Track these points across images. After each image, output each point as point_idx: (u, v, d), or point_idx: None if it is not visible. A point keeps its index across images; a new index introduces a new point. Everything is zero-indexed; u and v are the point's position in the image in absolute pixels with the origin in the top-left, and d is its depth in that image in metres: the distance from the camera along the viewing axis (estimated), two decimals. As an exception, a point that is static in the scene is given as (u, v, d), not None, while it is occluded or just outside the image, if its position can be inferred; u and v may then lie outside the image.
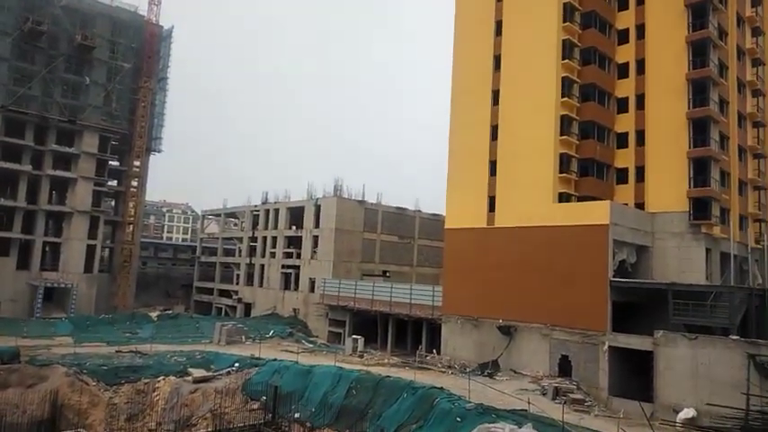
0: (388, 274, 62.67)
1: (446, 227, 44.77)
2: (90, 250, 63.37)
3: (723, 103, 40.55)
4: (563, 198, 38.52)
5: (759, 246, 45.63)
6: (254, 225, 71.56)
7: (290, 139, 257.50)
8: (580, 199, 39.03)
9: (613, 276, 34.17)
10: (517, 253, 38.00)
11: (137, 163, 68.93)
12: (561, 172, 38.49)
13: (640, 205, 39.15)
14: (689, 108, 37.54)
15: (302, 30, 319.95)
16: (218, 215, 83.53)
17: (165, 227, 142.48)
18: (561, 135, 38.70)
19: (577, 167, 39.84)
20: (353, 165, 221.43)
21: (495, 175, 41.66)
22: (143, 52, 68.46)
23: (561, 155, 38.67)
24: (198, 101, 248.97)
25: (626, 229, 35.79)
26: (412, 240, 67.54)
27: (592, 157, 39.56)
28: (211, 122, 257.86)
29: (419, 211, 68.99)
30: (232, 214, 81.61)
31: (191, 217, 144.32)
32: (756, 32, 46.81)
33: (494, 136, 42.25)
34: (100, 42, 63.90)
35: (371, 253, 63.08)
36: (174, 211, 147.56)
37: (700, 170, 37.40)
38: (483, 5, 44.27)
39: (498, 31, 43.09)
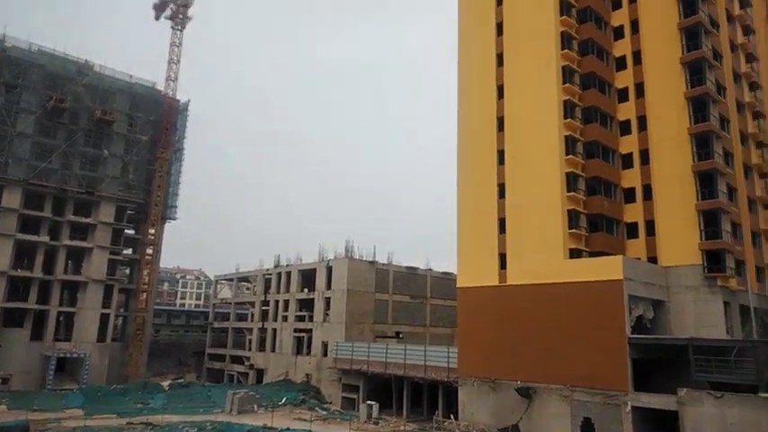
0: (401, 336, 61.76)
1: (458, 286, 44.49)
2: (103, 319, 63.46)
3: (728, 155, 40.95)
4: (574, 254, 38.37)
5: (779, 297, 44.56)
6: (267, 289, 71.62)
7: (302, 201, 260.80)
8: (592, 254, 38.85)
9: (631, 333, 33.47)
10: (531, 311, 37.50)
11: (152, 231, 70.12)
12: (571, 228, 38.55)
13: (653, 259, 38.85)
14: (694, 161, 37.94)
15: (310, 89, 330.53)
16: (231, 280, 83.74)
17: (179, 293, 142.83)
18: (568, 191, 39.04)
19: (587, 223, 39.91)
20: (364, 225, 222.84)
21: (504, 232, 41.79)
22: (160, 125, 71.19)
23: (569, 211, 38.86)
24: (210, 166, 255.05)
25: (640, 283, 35.35)
26: (424, 300, 66.96)
27: (600, 212, 39.68)
28: (224, 187, 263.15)
29: (430, 269, 68.76)
30: (244, 278, 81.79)
31: (204, 282, 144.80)
32: (754, 87, 47.93)
33: (501, 194, 42.68)
34: (119, 117, 66.75)
35: (384, 314, 62.48)
36: (188, 277, 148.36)
37: (710, 222, 37.29)
38: (484, 70, 45.87)
39: (500, 95, 44.43)
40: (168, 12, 73.52)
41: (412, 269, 66.84)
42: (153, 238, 70.34)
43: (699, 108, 38.69)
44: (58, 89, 62.27)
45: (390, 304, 63.32)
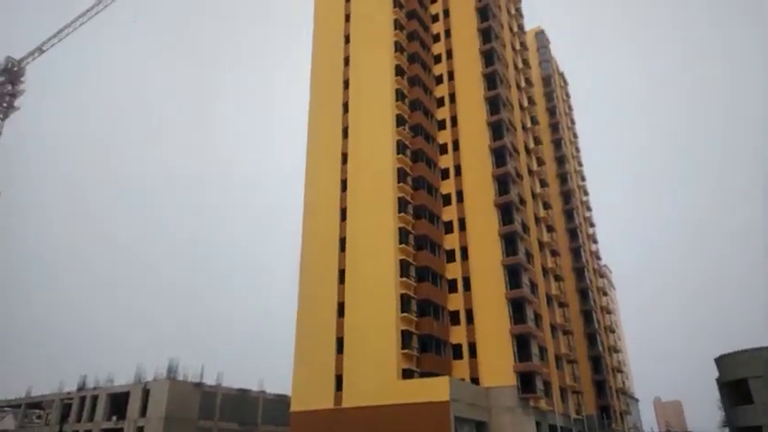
0: (225, 471, 55.52)
1: (292, 410, 42.52)
2: None
3: (533, 286, 47.09)
4: (407, 374, 39.47)
5: (579, 416, 49.85)
6: (64, 417, 60.55)
7: (124, 316, 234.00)
8: (422, 375, 40.26)
9: (457, 455, 34.35)
10: (365, 435, 36.87)
11: None
12: (404, 348, 40.00)
13: (475, 380, 41.46)
14: (507, 289, 42.86)
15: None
16: (18, 406, 69.49)
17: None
18: (402, 312, 41.08)
19: (418, 343, 41.81)
20: (194, 343, 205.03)
21: (342, 352, 41.85)
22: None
23: (403, 331, 40.57)
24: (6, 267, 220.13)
25: (465, 405, 37.16)
26: (255, 428, 61.92)
27: (430, 333, 41.99)
28: (28, 292, 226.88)
29: (263, 391, 64.58)
30: (36, 404, 68.51)
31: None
32: (550, 229, 57.12)
33: (340, 312, 43.39)
34: None
35: (207, 445, 56.10)
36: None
37: (522, 346, 41.52)
38: (328, 193, 48.59)
39: (343, 217, 47.03)
40: (-10, 98, 67.01)
41: (243, 391, 62.19)
42: None
43: (510, 243, 44.67)
44: None
45: (215, 433, 57.31)
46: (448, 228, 48.06)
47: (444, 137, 51.63)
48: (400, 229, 44.23)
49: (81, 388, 61.07)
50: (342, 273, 44.94)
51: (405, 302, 41.88)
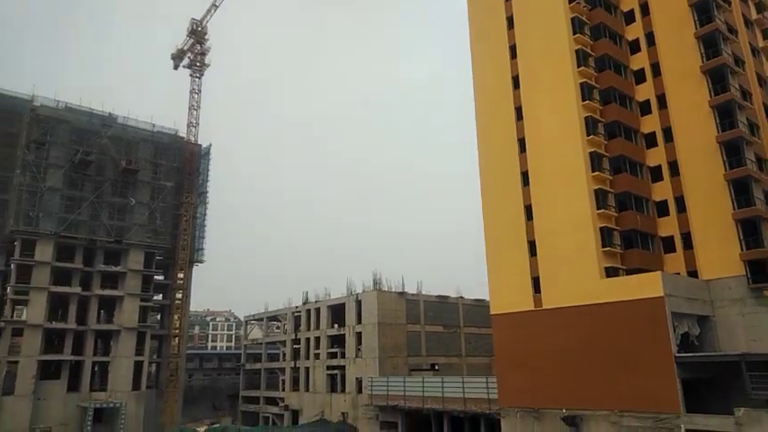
0: (437, 368, 60.44)
1: (492, 313, 43.47)
2: (137, 367, 63.60)
3: (760, 161, 39.70)
4: (610, 272, 37.21)
5: (831, 304, 42.43)
6: (297, 327, 71.21)
7: (328, 236, 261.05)
8: (628, 272, 37.59)
9: (678, 351, 32.04)
10: (571, 334, 36.28)
11: (180, 275, 70.75)
12: (604, 246, 37.50)
13: (693, 273, 37.43)
14: (725, 170, 36.82)
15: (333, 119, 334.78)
16: (261, 320, 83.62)
17: (210, 336, 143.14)
18: (598, 209, 38.17)
19: (621, 240, 38.82)
20: (391, 254, 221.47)
21: (535, 255, 40.93)
22: (184, 170, 72.55)
23: (601, 228, 37.89)
24: (235, 204, 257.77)
25: (682, 299, 34.00)
26: (458, 329, 65.68)
27: (633, 228, 38.58)
28: (250, 226, 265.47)
29: (461, 297, 67.61)
30: (274, 317, 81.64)
31: (233, 324, 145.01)
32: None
33: (528, 215, 42.00)
34: (143, 165, 68.24)
35: (417, 346, 61.36)
36: (218, 319, 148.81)
37: (749, 231, 35.86)
38: (501, 93, 45.83)
39: (519, 116, 44.26)
40: (186, 61, 75.92)
41: (443, 298, 65.83)
42: (182, 282, 70.89)
43: (725, 114, 37.77)
44: (83, 143, 64.11)
45: (423, 336, 62.22)
46: (644, 108, 42.33)
47: (629, 2, 44.36)
48: (586, 118, 40.15)
49: (305, 302, 70.56)
50: (525, 174, 42.97)
51: (600, 197, 38.73)
